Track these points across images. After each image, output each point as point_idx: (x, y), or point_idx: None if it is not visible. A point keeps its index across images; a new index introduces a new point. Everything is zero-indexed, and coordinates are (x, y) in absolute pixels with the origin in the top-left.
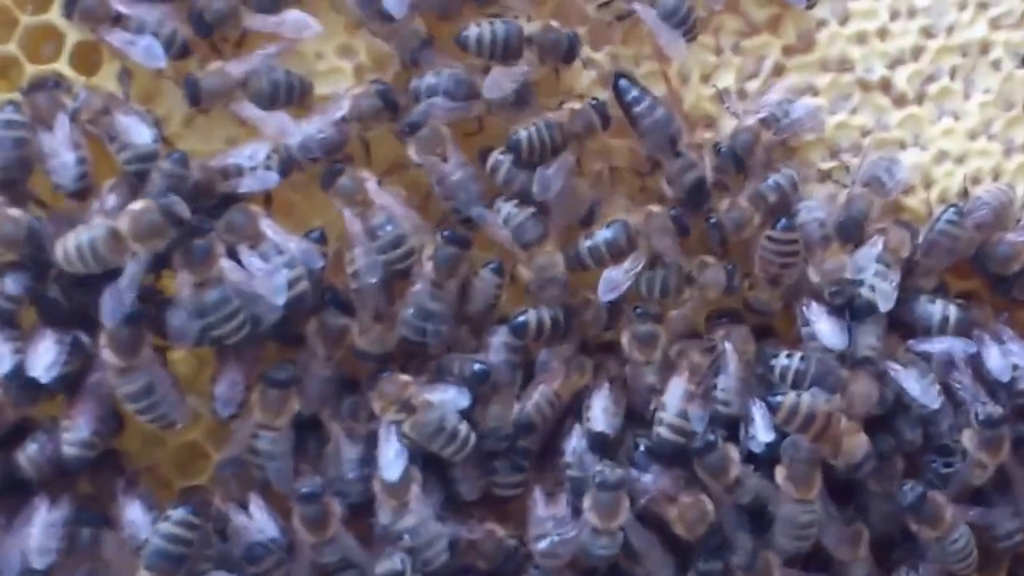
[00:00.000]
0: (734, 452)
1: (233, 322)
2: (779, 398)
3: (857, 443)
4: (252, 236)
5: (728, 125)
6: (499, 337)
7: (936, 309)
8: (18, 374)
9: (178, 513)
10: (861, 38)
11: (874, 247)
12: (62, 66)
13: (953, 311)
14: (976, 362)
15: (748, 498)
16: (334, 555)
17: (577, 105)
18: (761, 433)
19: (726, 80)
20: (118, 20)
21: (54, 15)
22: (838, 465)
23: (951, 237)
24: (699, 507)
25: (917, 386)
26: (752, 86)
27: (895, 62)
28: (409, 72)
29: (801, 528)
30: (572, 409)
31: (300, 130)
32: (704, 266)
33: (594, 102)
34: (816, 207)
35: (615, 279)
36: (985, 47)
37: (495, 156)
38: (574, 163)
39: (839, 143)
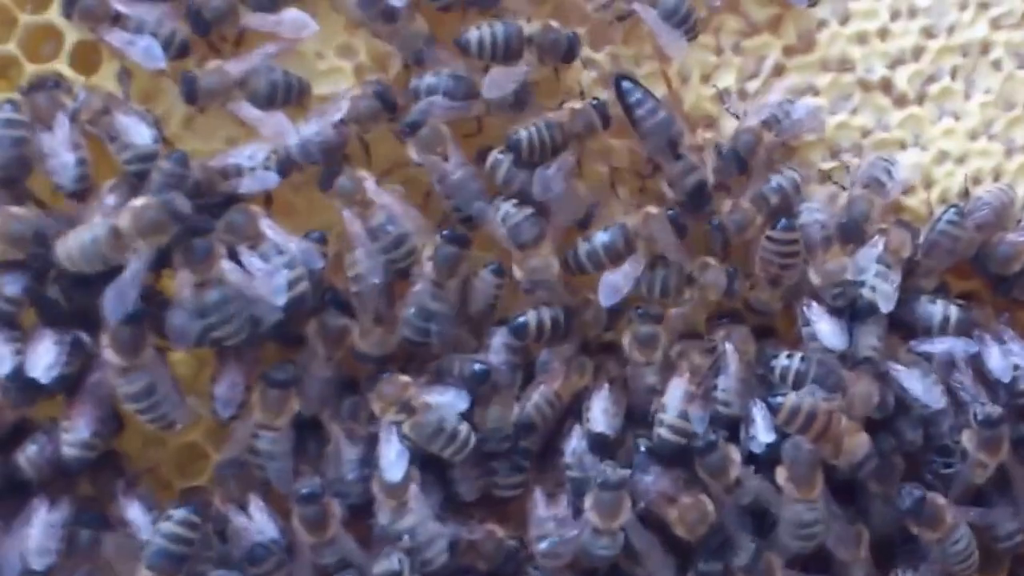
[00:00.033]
0: (735, 453)
1: (233, 323)
2: (780, 399)
3: (858, 442)
4: (252, 236)
5: (729, 125)
6: (499, 338)
7: (937, 310)
8: (18, 375)
9: (180, 513)
10: (862, 38)
11: (875, 248)
12: (62, 66)
13: (954, 311)
14: (977, 362)
15: (748, 499)
16: (333, 556)
17: (578, 105)
18: (762, 434)
19: (726, 80)
20: (117, 20)
21: (53, 14)
22: (839, 465)
23: (952, 237)
24: (699, 508)
25: (920, 386)
26: (752, 86)
27: (896, 62)
28: (410, 72)
29: (805, 528)
30: (572, 410)
31: (298, 132)
32: (705, 267)
33: (595, 102)
34: (817, 208)
35: (616, 283)
36: (986, 47)
37: (495, 155)
38: (574, 163)
39: (840, 143)
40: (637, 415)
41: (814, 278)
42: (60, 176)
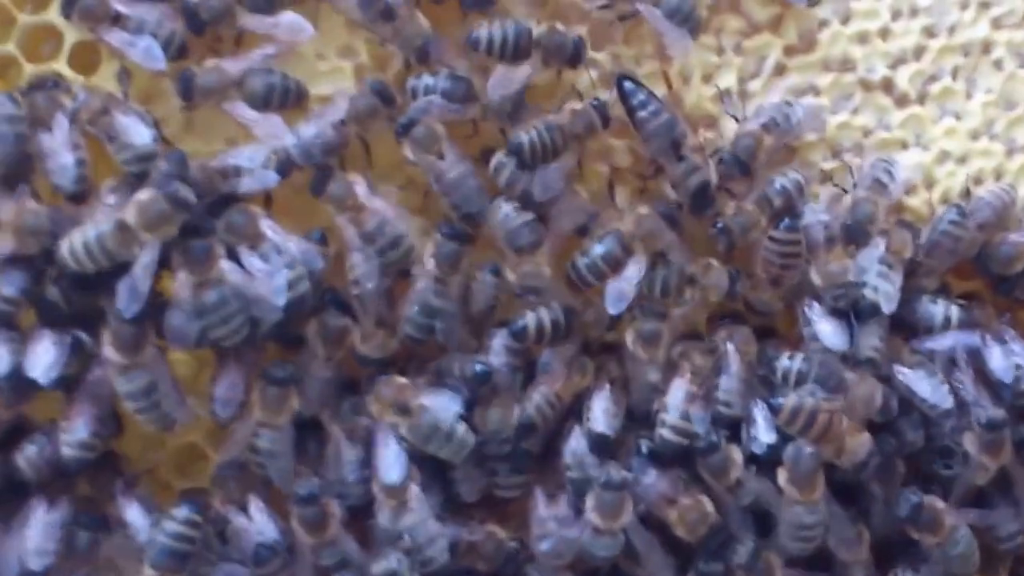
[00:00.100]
0: (736, 454)
1: (232, 323)
2: (781, 400)
3: (860, 442)
4: (252, 237)
5: (730, 125)
6: (499, 340)
7: (938, 310)
8: (14, 374)
9: (182, 511)
10: (863, 38)
11: (876, 248)
12: (61, 66)
13: (955, 311)
14: (978, 363)
15: (749, 499)
16: (333, 557)
17: (578, 106)
18: (763, 434)
19: (728, 80)
20: (117, 20)
21: (53, 14)
22: (842, 465)
23: (953, 238)
24: (699, 508)
25: (927, 386)
26: (754, 86)
27: (897, 62)
28: (411, 71)
29: (805, 529)
30: (572, 410)
31: (297, 133)
32: (708, 269)
33: (595, 102)
34: (820, 209)
35: (622, 290)
36: (987, 47)
37: (498, 158)
38: (575, 165)
39: (841, 143)
40: (638, 415)
41: (816, 279)
42: (59, 177)
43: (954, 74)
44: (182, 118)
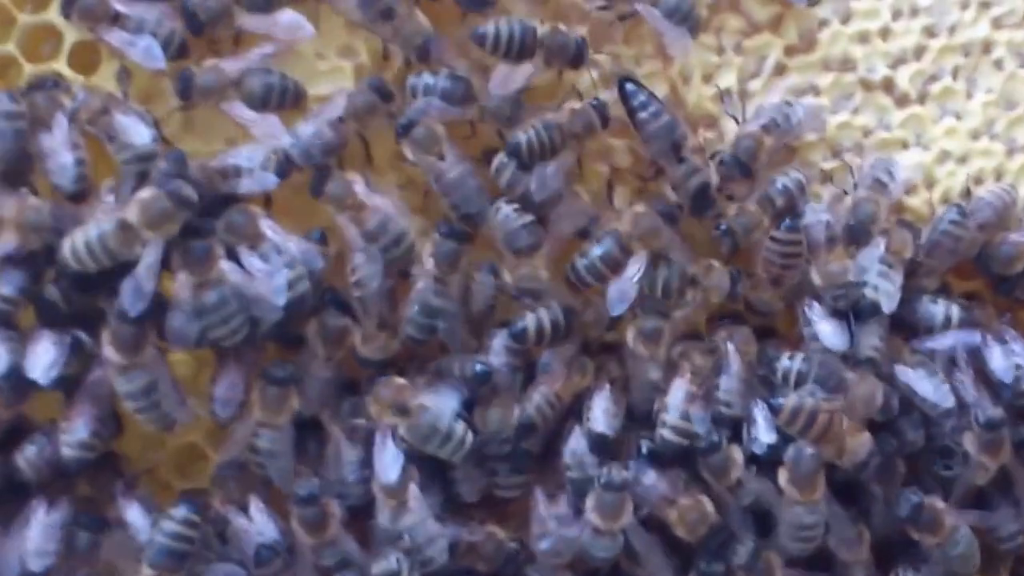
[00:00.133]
0: (737, 454)
1: (232, 323)
2: (781, 400)
3: (860, 442)
4: (252, 236)
5: (730, 125)
6: (499, 341)
7: (939, 309)
8: (12, 373)
9: (181, 511)
10: (863, 37)
11: (876, 248)
12: (61, 66)
13: (956, 311)
14: (979, 363)
15: (749, 499)
16: (333, 557)
17: (577, 105)
18: (763, 434)
19: (728, 80)
20: (117, 19)
21: (53, 14)
22: (843, 465)
23: (954, 237)
24: (699, 508)
25: (928, 386)
26: (754, 86)
27: (897, 61)
28: (411, 69)
29: (805, 529)
30: (572, 410)
31: (294, 134)
32: (710, 270)
33: (594, 102)
34: (821, 209)
35: (623, 291)
36: (987, 47)
37: (499, 159)
38: (574, 163)
39: (841, 143)
40: (638, 415)
41: (816, 279)
42: (59, 176)
43: (955, 74)
44: (182, 118)
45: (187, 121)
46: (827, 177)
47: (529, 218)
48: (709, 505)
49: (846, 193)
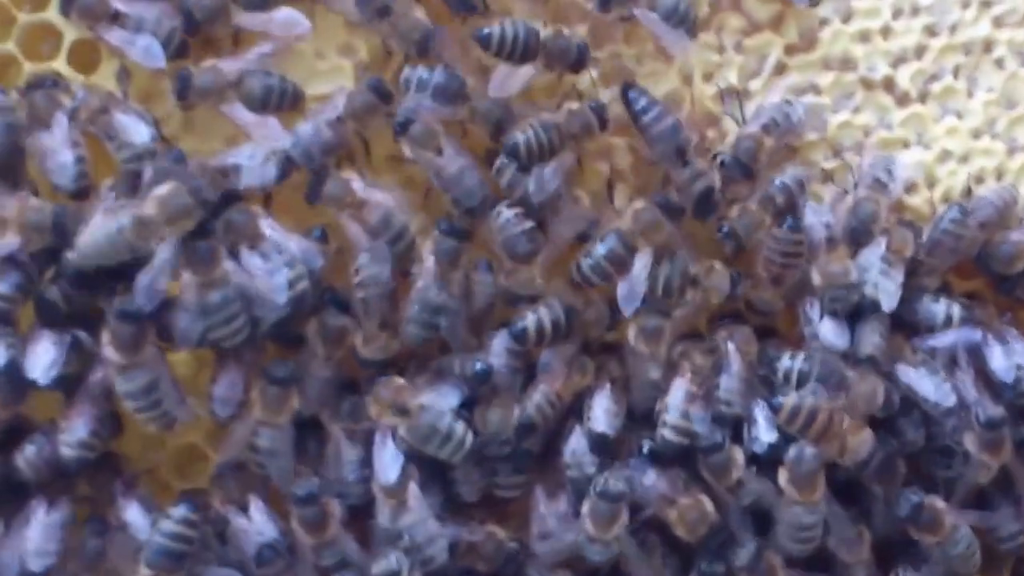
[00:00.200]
0: (738, 454)
1: (234, 324)
2: (781, 399)
3: (862, 440)
4: (252, 236)
5: (731, 123)
6: (500, 342)
7: (940, 308)
8: (10, 371)
9: (179, 511)
10: (864, 36)
11: (878, 247)
12: (60, 65)
13: (957, 310)
14: (979, 363)
15: (749, 500)
16: (333, 557)
17: (575, 106)
18: (763, 434)
19: (728, 79)
20: (116, 18)
21: (52, 13)
22: (844, 464)
23: (955, 236)
24: (699, 508)
25: (930, 385)
26: (755, 85)
27: (898, 61)
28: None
29: (805, 530)
30: (573, 410)
31: (293, 135)
32: (711, 271)
33: (593, 104)
34: (822, 210)
35: (632, 289)
36: (988, 45)
37: (500, 159)
38: (573, 164)
39: (842, 142)
40: (638, 414)
41: (816, 279)
42: (59, 175)
43: (955, 73)
44: (182, 117)
45: (187, 120)
46: (828, 176)
47: (529, 224)
48: (709, 505)
49: (846, 192)
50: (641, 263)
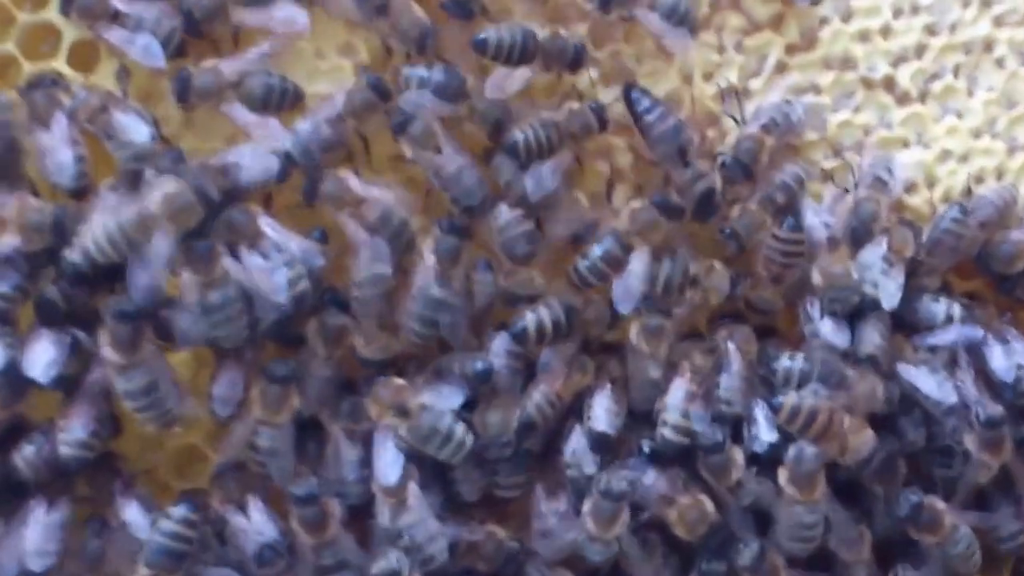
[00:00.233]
0: (738, 454)
1: (235, 323)
2: (780, 399)
3: (863, 439)
4: (252, 235)
5: (731, 123)
6: (499, 343)
7: (940, 308)
8: (8, 370)
9: (179, 511)
10: (864, 36)
11: (878, 246)
12: (60, 64)
13: (957, 309)
14: (979, 363)
15: (749, 500)
16: (333, 556)
17: (575, 105)
18: (764, 433)
19: (729, 78)
20: (116, 17)
21: (52, 13)
22: (846, 463)
23: (955, 236)
24: (699, 507)
25: (932, 383)
26: (755, 84)
27: (898, 60)
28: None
29: (805, 529)
30: (573, 410)
31: (293, 134)
32: (711, 271)
33: (593, 105)
34: (823, 210)
35: (629, 287)
36: (989, 45)
37: (498, 157)
38: (572, 163)
39: (842, 142)
40: (637, 414)
41: (817, 279)
42: (58, 175)
43: (956, 72)
44: (181, 116)
45: (186, 119)
46: (828, 176)
47: (528, 226)
48: (709, 504)
49: (847, 191)
50: (638, 262)
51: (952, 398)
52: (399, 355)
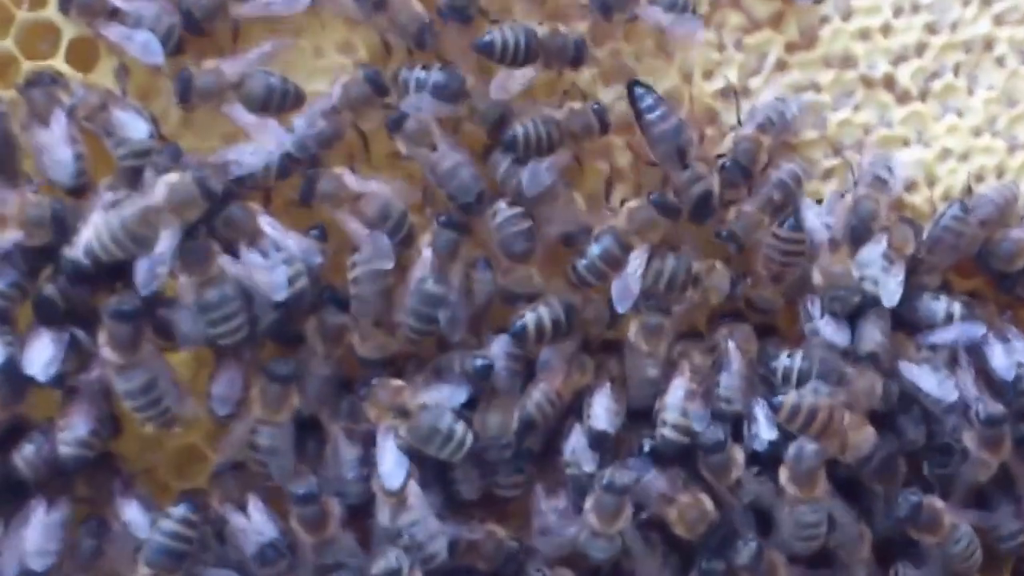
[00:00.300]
0: (739, 454)
1: (233, 321)
2: (780, 398)
3: (864, 437)
4: (251, 232)
5: (730, 121)
6: (499, 345)
7: (940, 306)
8: (7, 369)
9: (179, 510)
10: (864, 34)
11: (878, 244)
12: (59, 62)
13: (957, 308)
14: (980, 361)
15: (749, 499)
16: (333, 556)
17: (577, 105)
18: (764, 431)
19: (728, 77)
20: (115, 15)
21: (51, 11)
22: (847, 460)
23: (955, 234)
24: (699, 506)
25: (933, 381)
26: (755, 83)
27: (898, 58)
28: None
29: (808, 528)
30: (572, 409)
31: (291, 133)
32: (712, 270)
33: (595, 105)
34: (824, 210)
35: (627, 286)
36: (989, 43)
37: (495, 153)
38: (570, 162)
39: (842, 140)
40: (636, 413)
41: (818, 279)
42: (58, 172)
43: (956, 71)
44: (180, 114)
45: (185, 117)
46: (828, 175)
47: (526, 223)
48: (709, 503)
49: (846, 191)
50: (636, 262)
51: (953, 396)
52: (398, 354)
